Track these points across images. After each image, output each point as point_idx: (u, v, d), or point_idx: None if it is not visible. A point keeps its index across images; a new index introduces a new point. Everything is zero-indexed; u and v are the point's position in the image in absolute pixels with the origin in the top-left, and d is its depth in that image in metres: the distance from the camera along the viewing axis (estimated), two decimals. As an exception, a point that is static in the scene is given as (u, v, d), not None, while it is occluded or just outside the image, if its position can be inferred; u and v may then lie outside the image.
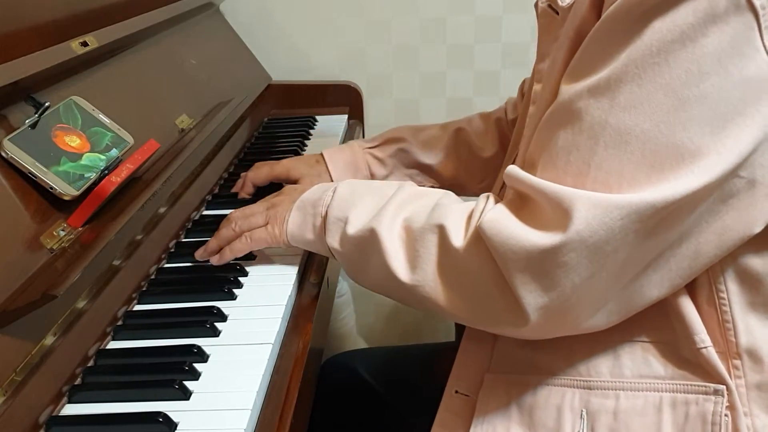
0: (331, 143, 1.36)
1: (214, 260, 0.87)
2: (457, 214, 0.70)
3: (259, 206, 0.88)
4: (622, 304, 0.66)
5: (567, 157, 0.63)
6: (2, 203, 0.68)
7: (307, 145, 1.35)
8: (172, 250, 0.93)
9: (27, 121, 0.74)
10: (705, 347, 0.66)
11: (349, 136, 1.45)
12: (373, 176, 1.09)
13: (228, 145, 1.21)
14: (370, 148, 1.10)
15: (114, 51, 0.99)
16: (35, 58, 0.77)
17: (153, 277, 0.87)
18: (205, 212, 1.05)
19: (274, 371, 0.71)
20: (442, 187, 1.08)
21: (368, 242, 0.74)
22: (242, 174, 1.10)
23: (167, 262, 0.90)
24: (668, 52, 0.59)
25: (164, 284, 0.86)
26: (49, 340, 0.66)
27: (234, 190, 1.10)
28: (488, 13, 1.61)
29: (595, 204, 0.60)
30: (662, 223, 0.61)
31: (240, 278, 0.84)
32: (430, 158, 1.09)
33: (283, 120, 1.49)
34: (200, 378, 0.68)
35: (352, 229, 0.76)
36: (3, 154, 0.70)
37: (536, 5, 0.79)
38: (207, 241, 0.88)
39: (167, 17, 1.15)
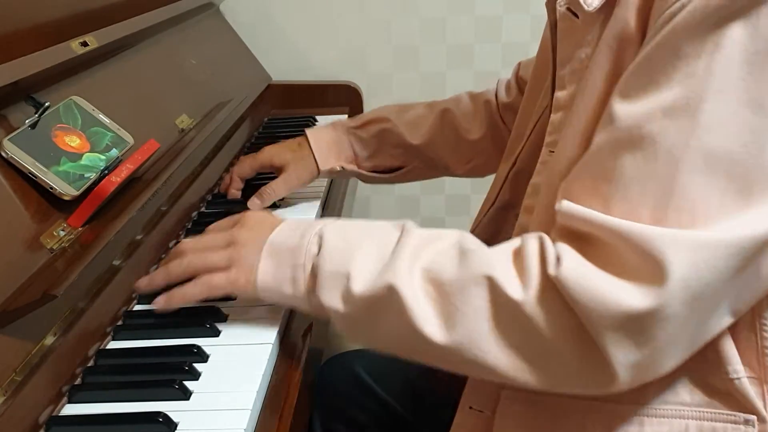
0: (331, 143, 1.36)
1: (158, 304, 0.75)
2: (503, 262, 0.61)
3: (218, 239, 0.76)
4: (696, 340, 0.60)
5: (642, 187, 0.56)
6: (2, 203, 0.68)
7: (307, 145, 1.35)
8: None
9: (27, 121, 0.74)
10: (738, 378, 0.62)
11: (349, 136, 1.45)
12: (356, 156, 1.07)
13: (228, 145, 1.21)
14: (353, 128, 1.07)
15: (114, 51, 0.99)
16: (35, 58, 0.77)
17: (153, 277, 0.87)
18: (205, 212, 1.05)
19: (274, 371, 0.71)
20: (427, 167, 1.09)
21: (384, 301, 0.63)
22: (225, 175, 1.09)
23: (167, 262, 0.90)
24: (753, 63, 0.53)
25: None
26: (49, 340, 0.66)
27: (221, 189, 1.09)
28: (488, 13, 1.61)
29: (691, 247, 0.53)
30: (758, 254, 0.56)
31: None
32: (415, 138, 1.06)
33: (283, 120, 1.49)
34: (200, 378, 0.68)
35: (360, 285, 0.65)
36: (3, 154, 0.70)
37: (548, 4, 0.74)
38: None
39: (167, 17, 1.15)
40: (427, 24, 1.62)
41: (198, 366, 0.69)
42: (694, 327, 0.57)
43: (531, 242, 0.62)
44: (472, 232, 0.94)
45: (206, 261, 0.74)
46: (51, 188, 0.72)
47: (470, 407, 0.73)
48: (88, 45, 0.88)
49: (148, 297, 0.82)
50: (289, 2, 1.60)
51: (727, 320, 0.60)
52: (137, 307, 0.81)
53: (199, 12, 1.37)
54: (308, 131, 1.06)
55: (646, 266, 0.54)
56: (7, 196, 0.69)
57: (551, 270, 0.58)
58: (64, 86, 0.84)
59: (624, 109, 0.58)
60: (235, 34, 1.51)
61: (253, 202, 1.02)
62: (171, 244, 0.93)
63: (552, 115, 0.73)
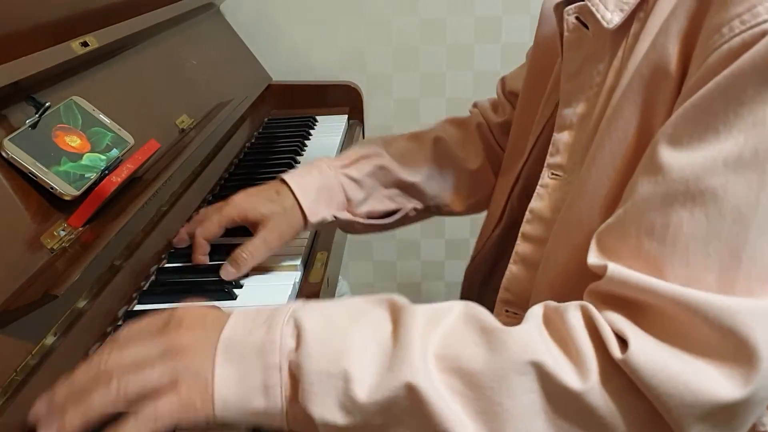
0: (331, 143, 1.36)
1: None
2: (545, 342, 0.52)
3: (148, 348, 0.55)
4: None
5: (705, 250, 0.50)
6: (2, 203, 0.68)
7: (307, 145, 1.35)
8: (172, 250, 0.93)
9: (27, 121, 0.74)
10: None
11: (349, 136, 1.46)
12: (349, 201, 0.89)
13: (228, 145, 1.21)
14: (343, 167, 0.90)
15: (114, 51, 0.99)
16: (35, 58, 0.77)
17: (153, 277, 0.87)
18: (206, 212, 1.05)
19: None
20: (424, 207, 0.95)
21: (401, 405, 0.51)
22: (182, 229, 0.89)
23: (167, 262, 0.90)
24: None
25: (164, 284, 0.86)
26: (49, 340, 0.66)
27: (177, 244, 0.89)
28: (488, 13, 1.61)
29: None
30: None
31: (240, 278, 0.84)
32: (412, 175, 0.92)
33: (283, 120, 1.49)
34: (200, 378, 0.68)
35: (366, 388, 0.51)
36: (3, 154, 0.70)
37: (556, 9, 0.69)
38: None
39: (167, 17, 1.15)
40: (427, 24, 1.62)
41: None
42: None
43: (573, 315, 0.53)
44: (474, 258, 0.91)
45: (142, 382, 0.53)
46: (51, 188, 0.72)
47: None
48: (88, 45, 0.88)
49: (149, 297, 0.82)
50: (289, 2, 1.60)
51: None
52: (137, 307, 0.81)
53: (199, 12, 1.37)
54: (288, 177, 0.86)
55: (730, 346, 0.48)
56: (7, 196, 0.69)
57: (616, 353, 0.50)
58: (65, 86, 0.84)
59: (676, 159, 0.51)
60: (235, 34, 1.51)
61: (227, 271, 0.82)
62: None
63: (556, 133, 0.69)
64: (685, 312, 0.49)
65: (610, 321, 0.51)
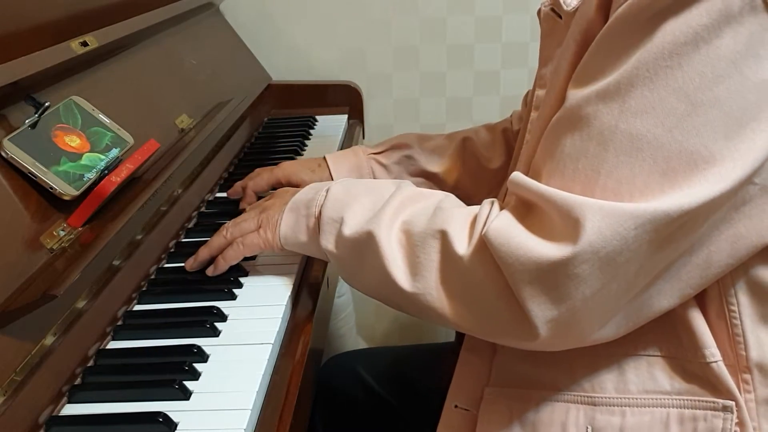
0: (331, 143, 1.36)
1: (209, 271, 0.84)
2: (460, 220, 0.68)
3: (250, 212, 0.85)
4: (631, 316, 0.64)
5: (575, 165, 0.61)
6: (2, 203, 0.68)
7: (307, 145, 1.35)
8: (172, 250, 0.93)
9: (27, 121, 0.74)
10: (714, 362, 0.65)
11: (349, 135, 1.45)
12: None
13: (228, 145, 1.21)
14: (374, 153, 1.06)
15: (114, 51, 0.99)
16: (35, 58, 0.77)
17: (153, 277, 0.87)
18: (205, 212, 1.05)
19: (274, 371, 0.71)
20: None
21: (365, 245, 0.71)
22: (238, 183, 1.07)
23: (167, 262, 0.90)
24: (681, 54, 0.56)
25: (164, 284, 0.86)
26: (49, 340, 0.66)
27: (231, 195, 1.07)
28: (488, 13, 1.61)
29: (607, 213, 0.57)
30: (676, 232, 0.59)
31: (240, 278, 0.84)
32: (436, 166, 1.05)
33: (283, 120, 1.49)
34: (200, 378, 0.68)
35: (348, 230, 0.73)
36: (3, 154, 0.70)
37: (539, 12, 0.77)
38: (207, 240, 0.88)
39: (167, 17, 1.15)
40: (427, 24, 1.62)
41: (198, 366, 0.69)
42: (614, 295, 0.61)
43: (485, 205, 0.68)
44: None
45: (242, 228, 0.83)
46: (51, 188, 0.72)
47: (455, 406, 0.75)
48: (88, 45, 0.88)
49: (149, 297, 0.82)
50: (289, 2, 1.60)
51: (669, 300, 0.63)
52: (137, 307, 0.81)
53: (199, 12, 1.37)
54: (328, 155, 1.06)
55: (565, 226, 0.59)
56: (7, 196, 0.69)
57: (482, 228, 0.64)
58: (64, 86, 0.84)
59: (571, 94, 0.63)
60: (235, 34, 1.51)
61: None
62: (171, 245, 0.93)
63: (532, 113, 0.76)
64: (550, 206, 0.60)
65: (503, 211, 0.65)
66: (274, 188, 1.04)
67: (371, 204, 0.74)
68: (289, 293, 0.81)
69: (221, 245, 0.84)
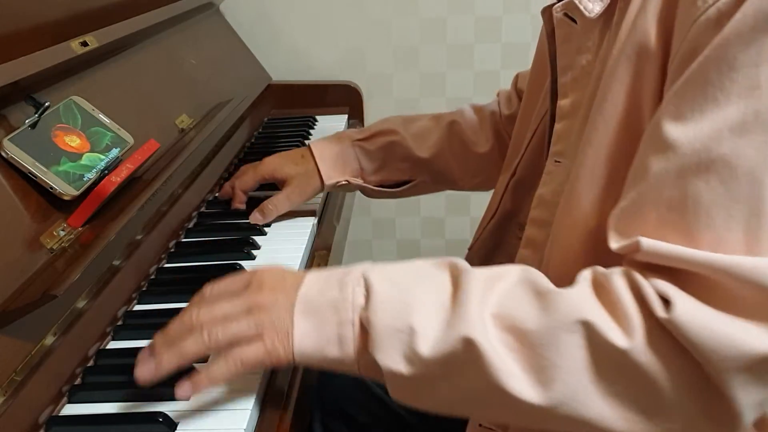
0: (331, 143, 1.36)
1: (182, 393, 0.61)
2: (593, 302, 0.55)
3: (234, 305, 0.62)
4: None
5: (727, 213, 0.52)
6: (2, 203, 0.68)
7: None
8: (172, 250, 0.93)
9: (27, 121, 0.74)
10: None
11: (349, 136, 1.45)
12: (362, 170, 1.03)
13: (228, 145, 1.21)
14: (359, 140, 1.03)
15: (114, 51, 0.99)
16: (35, 58, 0.77)
17: (153, 277, 0.87)
18: (205, 212, 1.05)
19: (274, 371, 0.71)
20: (434, 180, 1.05)
21: (460, 358, 0.56)
22: (226, 183, 1.06)
23: (167, 262, 0.90)
24: None
25: (164, 284, 0.86)
26: (49, 340, 0.66)
27: (222, 196, 1.06)
28: (488, 13, 1.61)
29: None
30: None
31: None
32: (422, 151, 1.02)
33: (283, 120, 1.49)
34: (200, 378, 0.68)
35: (428, 342, 0.56)
36: (3, 154, 0.70)
37: (544, 12, 0.73)
38: (206, 241, 0.87)
39: (167, 17, 1.15)
40: (427, 24, 1.62)
41: (198, 366, 0.69)
42: None
43: (617, 279, 0.56)
44: (473, 246, 0.94)
45: (231, 332, 0.61)
46: (51, 188, 0.72)
47: (480, 425, 0.71)
48: (88, 45, 0.88)
49: (149, 297, 0.82)
50: (289, 2, 1.60)
51: None
52: (137, 307, 0.81)
53: (199, 12, 1.37)
54: (312, 143, 1.03)
55: (765, 302, 0.51)
56: (7, 196, 0.69)
57: (660, 313, 0.53)
58: (64, 86, 0.84)
59: (683, 133, 0.53)
60: (235, 34, 1.51)
61: (255, 217, 0.99)
62: (171, 245, 0.93)
63: (556, 124, 0.72)
64: (723, 276, 0.51)
65: (653, 284, 0.54)
66: (261, 185, 1.03)
67: (438, 300, 0.59)
68: (289, 293, 0.81)
69: (197, 354, 0.61)
